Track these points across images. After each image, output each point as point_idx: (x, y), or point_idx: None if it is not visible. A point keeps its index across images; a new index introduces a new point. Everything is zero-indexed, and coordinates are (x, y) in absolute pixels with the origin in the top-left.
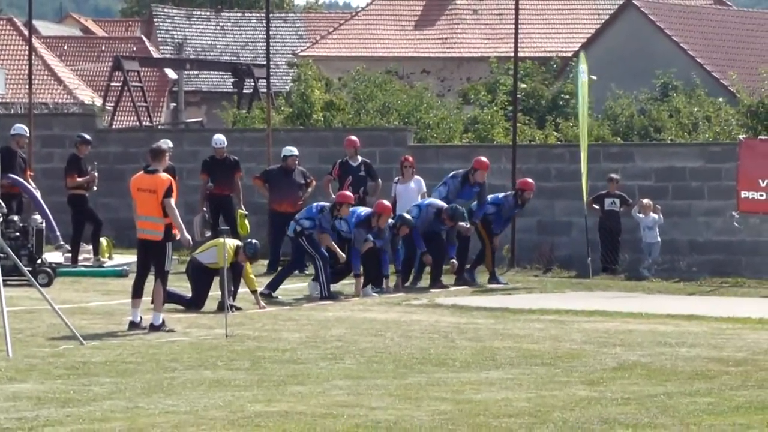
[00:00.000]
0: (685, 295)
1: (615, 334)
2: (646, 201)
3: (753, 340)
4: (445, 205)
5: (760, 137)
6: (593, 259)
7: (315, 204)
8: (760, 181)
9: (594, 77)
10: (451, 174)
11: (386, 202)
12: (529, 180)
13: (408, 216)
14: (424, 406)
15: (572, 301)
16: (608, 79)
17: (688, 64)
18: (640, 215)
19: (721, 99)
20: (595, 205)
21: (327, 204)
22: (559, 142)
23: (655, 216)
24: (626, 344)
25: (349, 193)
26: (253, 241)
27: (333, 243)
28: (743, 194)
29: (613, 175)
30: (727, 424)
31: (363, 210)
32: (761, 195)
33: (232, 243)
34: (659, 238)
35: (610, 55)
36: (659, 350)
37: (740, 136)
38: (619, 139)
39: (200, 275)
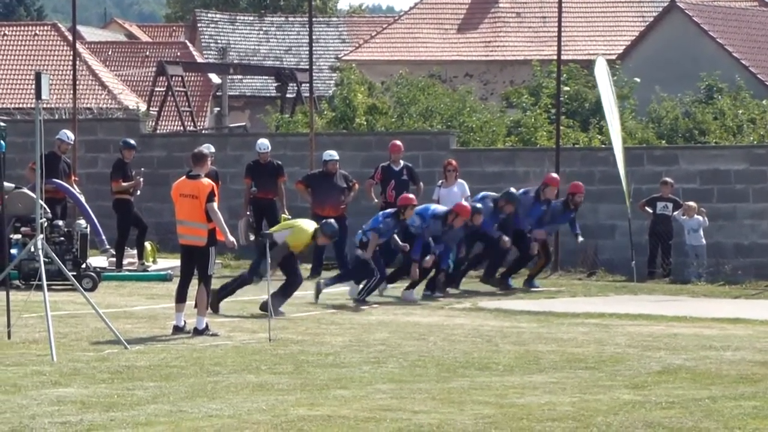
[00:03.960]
0: (731, 299)
1: (659, 337)
2: (690, 203)
3: None
4: (496, 194)
5: None
6: (638, 262)
7: (381, 213)
8: None
9: (637, 80)
10: (521, 190)
11: (465, 203)
12: (578, 183)
13: (515, 192)
14: (467, 410)
15: (616, 304)
16: (653, 81)
17: (733, 66)
18: (684, 218)
19: (765, 101)
20: (647, 208)
21: (392, 210)
22: (603, 145)
23: (700, 218)
24: (671, 348)
25: (411, 195)
26: (330, 220)
27: (377, 242)
28: None
29: (667, 179)
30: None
31: (438, 207)
32: None
33: (308, 226)
34: (704, 241)
35: (654, 57)
36: (704, 354)
37: None
38: (663, 141)
39: (285, 259)
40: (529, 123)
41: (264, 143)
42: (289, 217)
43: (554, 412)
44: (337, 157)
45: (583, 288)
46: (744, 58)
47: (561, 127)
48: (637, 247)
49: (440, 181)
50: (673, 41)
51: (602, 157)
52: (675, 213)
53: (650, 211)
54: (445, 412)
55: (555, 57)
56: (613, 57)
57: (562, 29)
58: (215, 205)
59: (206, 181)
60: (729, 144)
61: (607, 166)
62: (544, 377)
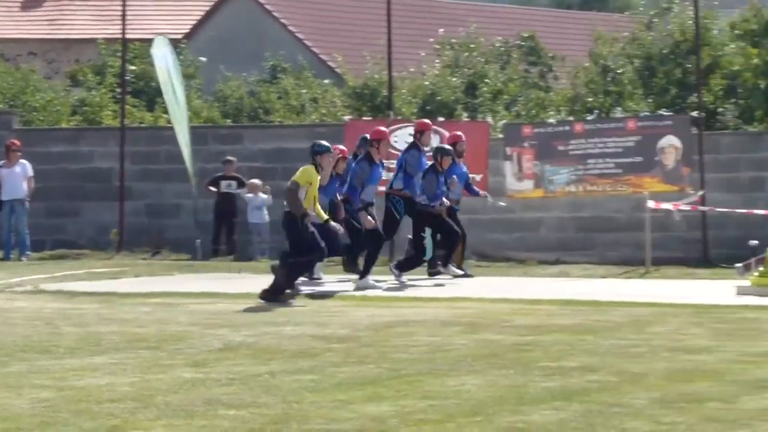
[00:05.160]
0: None
1: (222, 315)
2: (254, 181)
3: (356, 316)
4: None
5: (364, 118)
6: (203, 240)
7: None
8: None
9: (203, 59)
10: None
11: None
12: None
13: (447, 146)
14: (25, 394)
15: (180, 283)
16: (219, 61)
17: (297, 47)
18: (249, 195)
19: (327, 81)
20: (211, 188)
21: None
22: (168, 125)
23: (264, 196)
24: (232, 325)
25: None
26: (316, 141)
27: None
28: None
29: (230, 158)
30: (328, 401)
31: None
32: None
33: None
34: (268, 218)
35: (220, 37)
36: (264, 329)
37: (345, 118)
38: (229, 120)
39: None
40: (94, 102)
41: None
42: None
43: (114, 392)
44: None
45: (148, 268)
46: (307, 39)
47: (127, 107)
48: (202, 226)
49: (1, 162)
50: (238, 21)
51: (168, 136)
52: (239, 191)
53: (215, 190)
54: (1, 397)
55: (120, 36)
56: (180, 36)
57: (128, 7)
58: None
59: None
60: (292, 123)
61: (172, 145)
62: (106, 358)
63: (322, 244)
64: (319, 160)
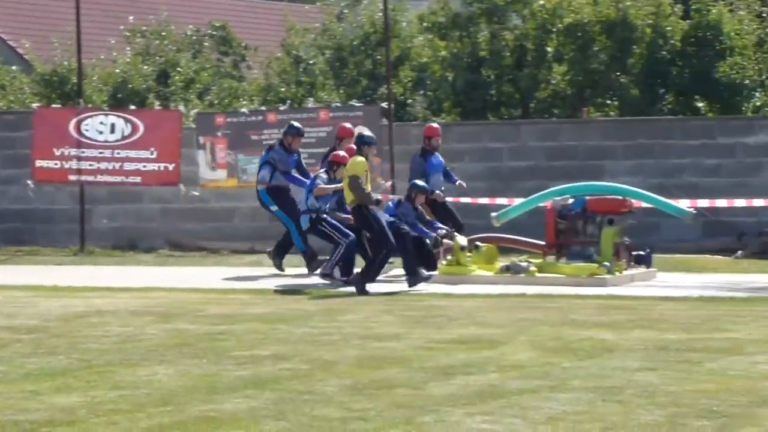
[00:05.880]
0: None
1: None
2: None
3: (46, 307)
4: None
5: (53, 106)
6: None
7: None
8: (55, 149)
9: None
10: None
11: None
12: (432, 125)
13: (420, 182)
14: None
15: None
16: None
17: None
18: None
19: (15, 67)
20: None
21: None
22: None
23: None
24: None
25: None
26: (361, 133)
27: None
28: (38, 163)
29: None
30: (16, 391)
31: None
32: (55, 164)
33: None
34: None
35: None
36: None
37: (34, 105)
38: None
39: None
40: None
41: None
42: None
43: None
44: None
45: None
46: None
47: None
48: None
49: None
50: None
51: None
52: None
53: None
54: None
55: None
56: None
57: None
58: None
59: None
60: None
61: None
62: None
63: (392, 239)
64: (367, 151)
